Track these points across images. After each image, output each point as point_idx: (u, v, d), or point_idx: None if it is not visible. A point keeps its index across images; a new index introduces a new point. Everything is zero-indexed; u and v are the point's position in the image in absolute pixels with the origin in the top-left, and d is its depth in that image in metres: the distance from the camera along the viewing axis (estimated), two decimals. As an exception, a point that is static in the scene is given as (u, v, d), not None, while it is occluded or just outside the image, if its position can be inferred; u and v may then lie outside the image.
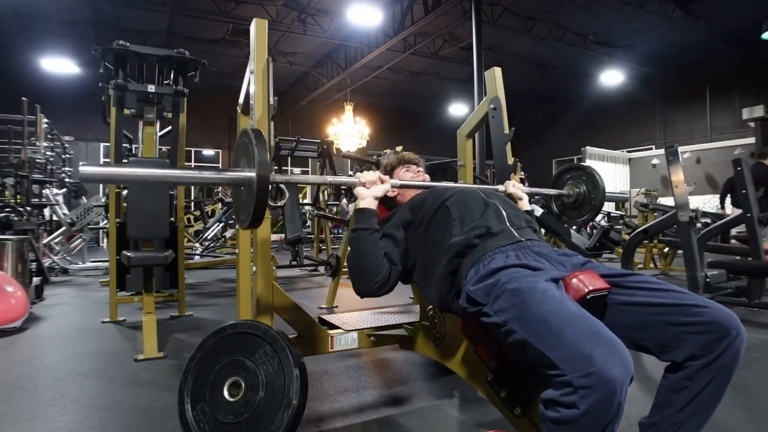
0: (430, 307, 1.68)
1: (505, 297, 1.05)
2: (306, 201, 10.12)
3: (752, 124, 11.45)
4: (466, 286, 1.18)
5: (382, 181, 1.47)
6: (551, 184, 2.09)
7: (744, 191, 3.27)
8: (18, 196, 5.63)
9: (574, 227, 6.18)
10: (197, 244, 7.46)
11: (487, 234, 1.27)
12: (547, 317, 0.94)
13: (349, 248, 1.43)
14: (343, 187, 5.30)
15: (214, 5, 9.66)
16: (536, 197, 5.38)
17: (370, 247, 1.37)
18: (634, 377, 0.85)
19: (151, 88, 3.03)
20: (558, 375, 0.86)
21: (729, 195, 6.42)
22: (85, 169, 1.08)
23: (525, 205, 1.73)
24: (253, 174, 1.16)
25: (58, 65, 11.60)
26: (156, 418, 1.75)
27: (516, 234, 1.28)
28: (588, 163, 12.01)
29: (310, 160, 13.61)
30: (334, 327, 1.95)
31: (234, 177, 1.23)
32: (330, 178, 1.58)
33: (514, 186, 1.75)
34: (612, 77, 13.47)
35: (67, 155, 7.95)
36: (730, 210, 6.46)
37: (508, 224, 1.32)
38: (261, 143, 1.19)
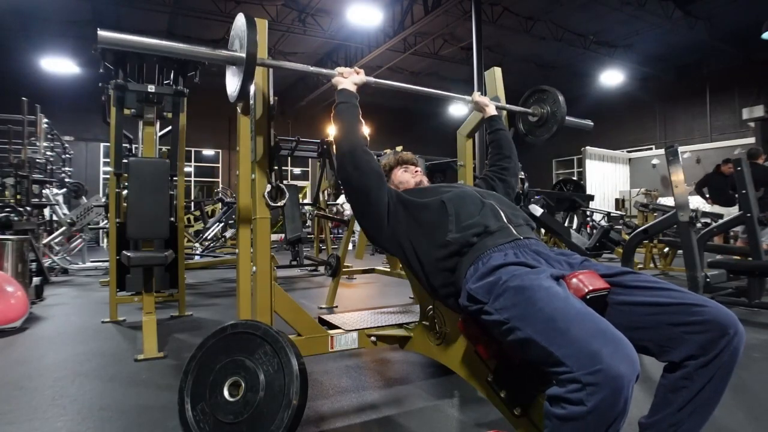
0: (430, 307, 1.68)
1: (507, 295, 1.05)
2: (306, 201, 10.13)
3: (752, 124, 11.46)
4: (467, 285, 1.19)
5: (357, 74, 1.63)
6: (519, 105, 2.26)
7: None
8: (18, 196, 5.62)
9: (574, 227, 6.18)
10: (197, 244, 7.46)
11: (485, 232, 1.27)
12: (554, 315, 0.94)
13: (335, 119, 1.54)
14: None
15: (214, 5, 9.66)
16: (536, 197, 5.38)
17: (354, 115, 1.52)
18: (639, 375, 0.85)
19: (151, 88, 3.03)
20: (564, 372, 0.86)
21: (706, 188, 6.60)
22: (103, 33, 1.26)
23: (491, 110, 1.97)
24: (243, 54, 1.37)
25: (58, 65, 11.60)
26: (156, 418, 1.75)
27: (514, 232, 1.29)
28: (588, 163, 12.04)
29: (310, 160, 13.61)
30: (334, 327, 1.95)
31: (228, 55, 1.45)
32: (312, 68, 1.69)
33: (480, 96, 2.01)
34: (612, 77, 13.48)
35: (67, 155, 7.95)
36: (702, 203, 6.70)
37: (506, 222, 1.32)
38: (251, 27, 1.37)
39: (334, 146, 1.55)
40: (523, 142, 2.25)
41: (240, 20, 1.43)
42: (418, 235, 1.40)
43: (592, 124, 2.53)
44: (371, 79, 1.69)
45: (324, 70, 1.70)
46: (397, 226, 1.45)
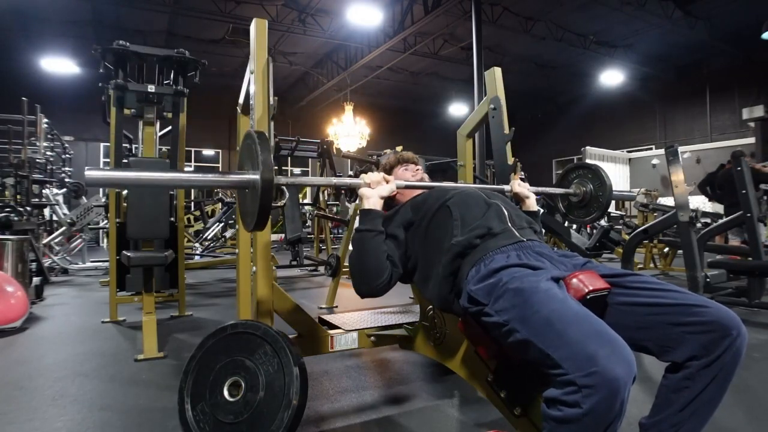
0: (430, 307, 1.68)
1: (506, 297, 1.05)
2: (306, 201, 10.12)
3: (752, 124, 11.47)
4: (467, 286, 1.18)
5: (387, 182, 1.47)
6: (557, 183, 2.08)
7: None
8: (18, 196, 5.62)
9: (574, 227, 6.19)
10: (197, 244, 7.46)
11: (488, 234, 1.27)
12: (551, 317, 0.94)
13: (351, 248, 1.42)
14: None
15: (214, 5, 9.66)
16: (536, 195, 5.38)
17: (375, 249, 1.36)
18: (636, 377, 0.85)
19: (151, 88, 3.03)
20: (561, 374, 0.86)
21: (708, 187, 6.56)
22: (90, 173, 1.08)
23: (532, 204, 1.70)
24: (257, 177, 1.17)
25: (58, 65, 11.59)
26: (156, 418, 1.74)
27: (517, 234, 1.28)
28: (588, 162, 12.02)
29: (310, 160, 13.61)
30: (334, 327, 1.95)
31: (239, 180, 1.23)
32: (335, 180, 1.56)
33: (520, 186, 1.71)
34: (612, 77, 13.47)
35: (67, 155, 7.95)
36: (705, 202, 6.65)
37: (509, 224, 1.32)
38: (264, 146, 1.19)
39: (351, 278, 1.42)
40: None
41: (251, 138, 1.25)
42: (426, 247, 1.39)
43: (635, 195, 2.40)
44: (401, 183, 1.53)
45: (347, 180, 1.57)
46: (413, 251, 1.44)
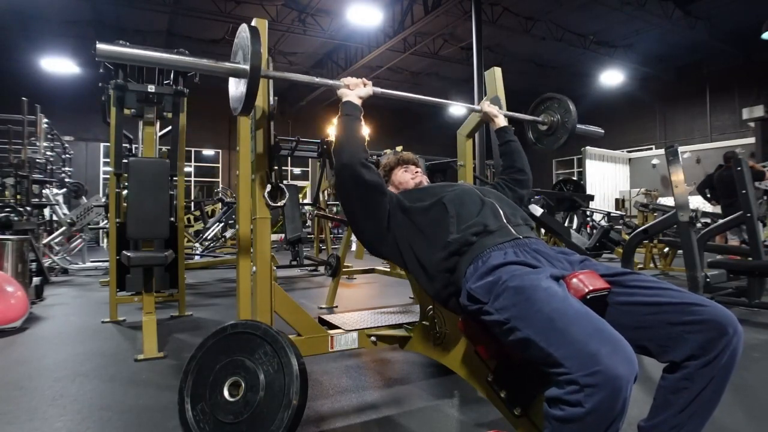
0: (430, 307, 1.68)
1: (507, 295, 1.05)
2: (306, 201, 10.13)
3: (752, 124, 11.47)
4: (466, 285, 1.18)
5: (365, 85, 1.58)
6: (528, 113, 2.20)
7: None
8: (18, 196, 5.62)
9: (574, 227, 6.19)
10: (197, 244, 7.46)
11: (485, 231, 1.27)
12: (552, 315, 0.93)
13: (336, 131, 1.51)
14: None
15: (214, 5, 9.67)
16: (536, 197, 5.38)
17: (357, 129, 1.48)
18: (638, 376, 0.85)
19: (151, 88, 3.03)
20: (563, 373, 0.86)
21: (707, 189, 6.59)
22: (101, 46, 1.21)
23: (501, 121, 1.90)
24: (247, 66, 1.32)
25: (58, 65, 11.60)
26: (156, 418, 1.75)
27: (513, 231, 1.29)
28: (588, 163, 12.04)
29: (310, 160, 13.61)
30: (334, 327, 1.95)
31: (231, 68, 1.38)
32: (318, 79, 1.67)
33: (489, 105, 1.92)
34: (612, 77, 13.48)
35: (67, 155, 7.95)
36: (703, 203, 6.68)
37: (505, 221, 1.32)
38: (255, 39, 1.33)
39: (333, 158, 1.50)
40: (532, 150, 2.22)
41: (243, 31, 1.39)
42: (420, 239, 1.40)
43: (602, 132, 2.51)
44: (378, 89, 1.63)
45: (330, 81, 1.65)
46: (398, 232, 1.44)
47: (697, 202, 7.07)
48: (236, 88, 1.47)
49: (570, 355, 0.86)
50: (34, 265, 4.49)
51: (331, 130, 13.90)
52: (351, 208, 1.49)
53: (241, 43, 1.43)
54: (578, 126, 2.08)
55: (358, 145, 1.45)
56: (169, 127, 3.49)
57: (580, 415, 0.82)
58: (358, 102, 1.55)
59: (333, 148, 1.49)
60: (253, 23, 1.73)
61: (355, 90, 1.57)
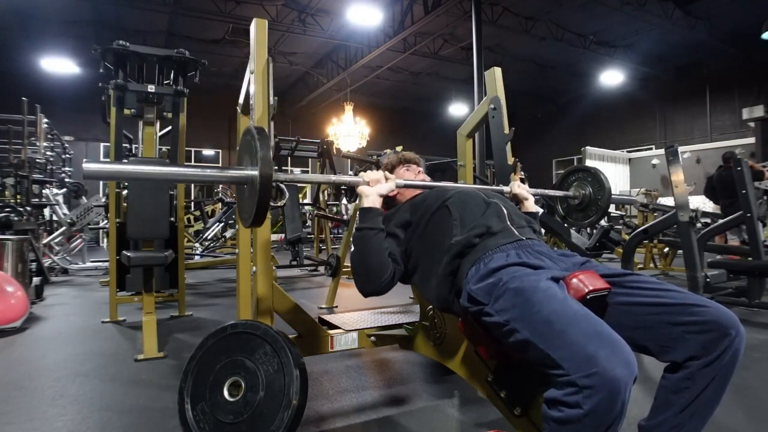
0: (430, 307, 1.68)
1: (507, 296, 1.05)
2: (306, 201, 10.12)
3: (752, 124, 11.47)
4: (467, 286, 1.18)
5: (386, 180, 1.47)
6: (556, 186, 2.09)
7: (744, 191, 3.27)
8: (18, 196, 5.62)
9: (574, 227, 6.18)
10: (197, 244, 7.46)
11: (488, 233, 1.27)
12: (551, 317, 0.94)
13: (353, 247, 1.42)
14: (343, 187, 5.33)
15: (214, 5, 9.66)
16: (535, 196, 5.38)
17: (376, 247, 1.36)
18: (637, 378, 0.85)
19: (151, 88, 3.03)
20: (561, 375, 0.86)
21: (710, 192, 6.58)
22: (88, 165, 1.08)
23: (531, 205, 1.71)
24: (256, 172, 1.16)
25: (58, 65, 11.60)
26: (156, 418, 1.74)
27: (516, 233, 1.29)
28: (588, 163, 12.03)
29: (310, 160, 13.61)
30: (334, 327, 1.95)
31: (237, 175, 1.23)
32: (334, 177, 1.56)
33: (520, 187, 1.73)
34: (612, 77, 13.48)
35: (67, 155, 7.95)
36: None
37: (508, 223, 1.32)
38: (264, 142, 1.18)
39: (354, 278, 1.41)
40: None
41: (250, 134, 1.23)
42: (426, 249, 1.39)
43: (636, 200, 2.44)
44: (400, 182, 1.51)
45: (347, 179, 1.55)
46: (413, 252, 1.43)
47: (697, 202, 7.06)
48: (245, 195, 1.30)
49: (568, 356, 0.86)
50: (34, 265, 4.48)
51: (331, 130, 13.87)
52: None
53: (247, 146, 1.27)
54: (613, 197, 1.98)
55: (379, 271, 1.35)
56: (169, 127, 3.49)
57: (578, 417, 0.82)
58: (379, 202, 1.43)
59: (352, 265, 1.40)
60: (253, 23, 1.73)
61: (375, 188, 1.44)
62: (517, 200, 1.74)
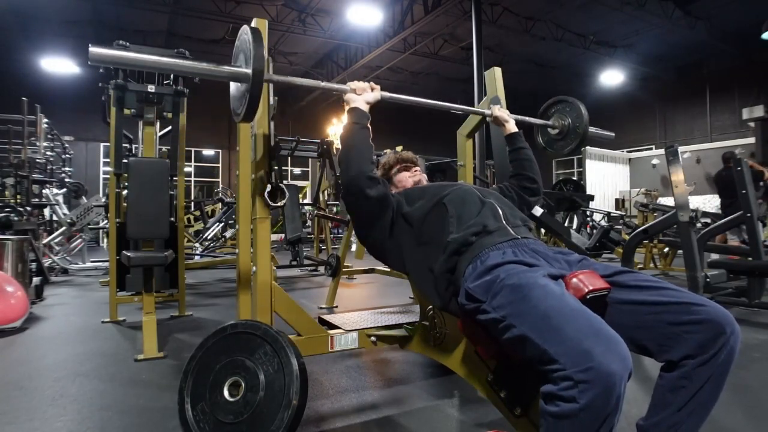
0: (430, 307, 1.68)
1: (504, 293, 1.06)
2: (306, 201, 10.13)
3: (752, 124, 11.48)
4: (465, 284, 1.19)
5: (372, 90, 1.55)
6: (537, 116, 2.15)
7: (744, 191, 3.27)
8: (18, 196, 5.63)
9: (574, 227, 6.19)
10: (197, 244, 7.46)
11: (484, 231, 1.28)
12: (548, 312, 0.94)
13: (341, 142, 1.48)
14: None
15: (214, 5, 9.67)
16: (520, 127, 5.36)
17: (365, 138, 1.45)
18: (634, 378, 0.85)
19: (151, 88, 3.03)
20: (557, 370, 0.87)
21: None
22: (94, 50, 1.13)
23: (512, 127, 1.86)
24: (249, 70, 1.26)
25: (58, 65, 11.60)
26: (156, 418, 1.75)
27: (512, 231, 1.29)
28: (588, 162, 12.04)
29: (310, 160, 13.61)
30: (334, 327, 1.95)
31: (232, 71, 1.31)
32: (323, 84, 1.60)
33: (500, 110, 1.89)
34: (612, 77, 13.48)
35: (67, 155, 7.96)
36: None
37: (504, 222, 1.33)
38: (258, 41, 1.26)
39: (339, 167, 1.47)
40: (542, 155, 2.17)
41: (245, 33, 1.32)
42: (421, 243, 1.40)
43: (613, 135, 2.46)
44: (386, 94, 1.60)
45: (336, 86, 1.59)
46: (402, 239, 1.45)
47: (697, 202, 7.06)
48: (238, 92, 1.40)
49: (564, 351, 0.87)
50: (34, 265, 4.49)
51: (332, 130, 13.87)
52: (358, 219, 1.51)
53: (242, 46, 1.36)
54: (590, 129, 2.02)
55: (364, 157, 1.42)
56: (169, 127, 3.49)
57: (574, 411, 0.83)
58: (366, 108, 1.51)
59: (339, 156, 1.47)
60: (253, 23, 1.73)
61: (362, 95, 1.53)
62: (498, 123, 1.91)
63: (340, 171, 1.45)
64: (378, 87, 1.57)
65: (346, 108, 1.53)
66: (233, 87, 1.45)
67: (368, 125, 1.48)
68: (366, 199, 1.41)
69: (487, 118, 1.92)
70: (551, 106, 2.14)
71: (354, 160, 1.42)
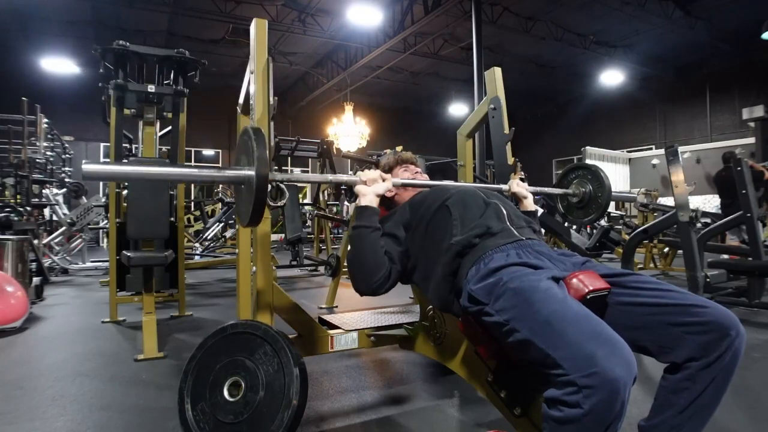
0: (430, 307, 1.68)
1: (506, 296, 1.05)
2: (306, 201, 10.13)
3: (752, 124, 11.46)
4: (467, 286, 1.18)
5: (383, 180, 1.47)
6: (556, 184, 2.09)
7: (744, 191, 3.27)
8: (18, 196, 5.63)
9: (574, 227, 6.19)
10: (197, 244, 7.46)
11: (487, 233, 1.27)
12: (551, 317, 0.94)
13: (349, 246, 1.42)
14: (343, 187, 5.34)
15: (214, 5, 9.66)
16: (536, 196, 5.38)
17: (372, 245, 1.36)
18: (636, 377, 0.85)
19: (151, 88, 3.03)
20: (561, 374, 0.86)
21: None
22: (87, 167, 1.09)
23: (530, 204, 1.72)
24: (252, 172, 1.18)
25: (58, 65, 11.59)
26: (156, 418, 1.74)
27: (516, 233, 1.29)
28: (588, 162, 12.02)
29: (310, 160, 13.61)
30: (334, 327, 1.95)
31: (234, 175, 1.25)
32: (331, 177, 1.56)
33: (518, 185, 1.73)
34: (612, 77, 13.47)
35: (67, 155, 7.96)
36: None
37: (508, 223, 1.32)
38: (261, 141, 1.20)
39: (350, 277, 1.42)
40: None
41: (247, 134, 1.24)
42: (426, 249, 1.39)
43: (636, 197, 2.43)
44: (398, 181, 1.53)
45: (345, 177, 1.56)
46: (411, 252, 1.44)
47: (697, 202, 7.06)
48: (243, 195, 1.32)
49: (568, 356, 0.87)
50: (34, 265, 4.49)
51: (332, 130, 13.87)
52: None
53: (244, 146, 1.28)
54: (614, 194, 1.97)
55: (374, 268, 1.35)
56: (169, 127, 3.49)
57: (578, 416, 0.82)
58: (376, 203, 1.43)
59: (348, 262, 1.40)
60: (253, 23, 1.73)
61: (372, 187, 1.44)
62: (515, 199, 1.75)
63: (350, 277, 1.40)
64: (388, 176, 1.49)
65: (357, 203, 1.46)
66: (237, 189, 1.37)
67: (377, 224, 1.40)
68: (385, 291, 1.39)
69: (504, 193, 1.76)
70: (571, 171, 2.06)
71: (364, 273, 1.36)
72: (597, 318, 0.93)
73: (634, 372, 0.84)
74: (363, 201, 1.42)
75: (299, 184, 14.33)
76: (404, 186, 1.60)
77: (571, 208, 2.07)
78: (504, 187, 1.73)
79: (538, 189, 1.85)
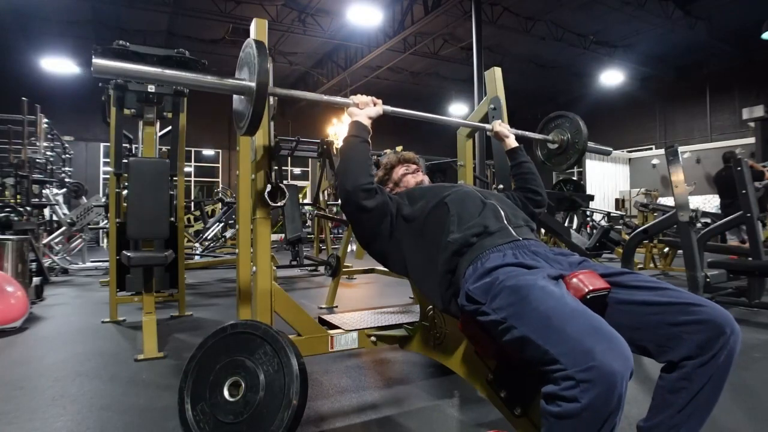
0: (430, 307, 1.68)
1: (503, 295, 1.06)
2: (306, 201, 10.13)
3: (752, 124, 11.48)
4: (465, 285, 1.19)
5: (375, 104, 1.55)
6: (537, 131, 2.18)
7: (744, 191, 3.27)
8: (18, 196, 5.63)
9: (574, 227, 6.19)
10: (197, 244, 7.46)
11: (485, 233, 1.28)
12: (548, 313, 0.94)
13: (341, 153, 1.49)
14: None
15: (214, 5, 9.67)
16: (518, 138, 5.37)
17: (362, 152, 1.45)
18: (635, 378, 0.85)
19: (151, 88, 3.03)
20: (559, 370, 0.87)
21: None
22: (98, 62, 1.14)
23: (512, 142, 1.87)
24: (253, 84, 1.25)
25: (58, 65, 11.60)
26: (156, 418, 1.74)
27: (513, 233, 1.29)
28: (588, 163, 12.04)
29: (309, 160, 13.62)
30: (334, 327, 1.95)
31: (236, 84, 1.32)
32: (326, 97, 1.61)
33: (501, 125, 1.90)
34: (612, 77, 13.48)
35: (67, 155, 7.96)
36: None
37: (505, 222, 1.33)
38: (262, 54, 1.26)
39: (337, 180, 1.47)
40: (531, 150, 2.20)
41: (249, 46, 1.32)
42: (422, 244, 1.40)
43: (611, 150, 2.51)
44: (388, 108, 1.59)
45: (339, 99, 1.60)
46: (403, 243, 1.45)
47: (697, 202, 7.06)
48: (240, 105, 1.39)
49: (565, 351, 0.87)
50: (34, 265, 4.49)
51: (332, 130, 13.86)
52: (358, 228, 1.51)
53: (246, 58, 1.35)
54: (589, 144, 2.05)
55: (361, 170, 1.42)
56: (169, 127, 3.49)
57: (576, 411, 0.83)
58: (368, 123, 1.52)
59: (337, 169, 1.47)
60: (253, 23, 1.73)
61: (364, 109, 1.53)
62: (498, 138, 1.91)
63: (337, 183, 1.45)
64: (380, 101, 1.58)
65: (349, 122, 1.53)
66: (236, 99, 1.44)
67: (368, 140, 1.49)
68: (364, 210, 1.41)
69: (488, 133, 1.94)
70: (550, 120, 2.16)
71: (351, 173, 1.41)
72: (594, 314, 0.93)
73: (630, 366, 0.84)
74: (355, 118, 1.52)
75: (299, 184, 14.34)
76: (394, 114, 1.66)
77: (550, 155, 2.19)
78: (487, 126, 1.89)
79: (520, 132, 1.96)
